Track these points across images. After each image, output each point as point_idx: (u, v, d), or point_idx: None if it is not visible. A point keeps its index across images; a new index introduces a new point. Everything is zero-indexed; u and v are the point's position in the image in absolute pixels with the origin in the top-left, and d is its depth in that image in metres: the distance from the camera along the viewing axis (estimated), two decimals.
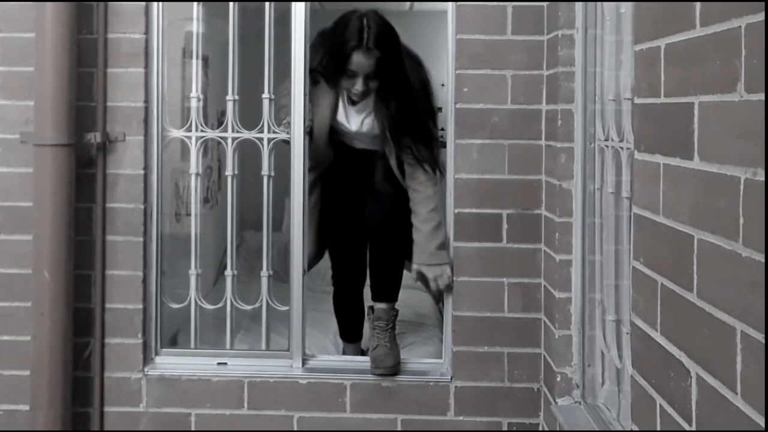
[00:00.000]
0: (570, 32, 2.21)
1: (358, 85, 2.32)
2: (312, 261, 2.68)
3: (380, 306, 2.53)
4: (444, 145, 2.51)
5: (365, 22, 2.29)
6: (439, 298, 3.17)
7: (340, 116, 2.50)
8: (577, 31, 2.20)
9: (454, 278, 2.41)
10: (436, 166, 2.46)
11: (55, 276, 2.24)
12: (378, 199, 2.57)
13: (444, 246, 2.41)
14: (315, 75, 2.47)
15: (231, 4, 2.51)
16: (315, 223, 2.62)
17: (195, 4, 2.55)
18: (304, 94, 2.42)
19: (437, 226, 2.40)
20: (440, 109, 5.27)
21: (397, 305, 2.61)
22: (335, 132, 2.54)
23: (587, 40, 2.16)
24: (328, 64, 2.38)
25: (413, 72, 2.42)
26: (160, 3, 2.47)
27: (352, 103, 2.48)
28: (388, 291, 2.56)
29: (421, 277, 2.44)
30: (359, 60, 2.29)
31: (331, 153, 2.55)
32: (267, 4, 2.49)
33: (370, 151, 2.57)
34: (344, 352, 2.83)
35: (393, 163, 2.46)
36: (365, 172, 2.58)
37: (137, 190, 2.43)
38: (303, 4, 2.43)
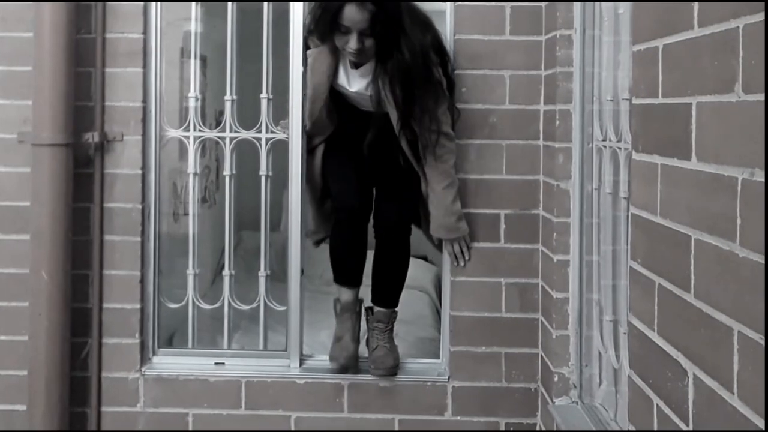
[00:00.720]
0: (568, 32, 2.21)
1: (352, 42, 2.12)
2: (317, 233, 2.56)
3: (381, 309, 2.51)
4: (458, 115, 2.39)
5: None
6: (438, 297, 3.16)
7: (342, 80, 2.35)
8: (575, 31, 2.20)
9: (452, 278, 2.42)
10: (445, 138, 2.29)
11: (52, 276, 2.24)
12: (389, 196, 2.46)
13: (461, 218, 2.35)
14: (310, 38, 2.35)
15: (229, 4, 2.51)
16: (318, 190, 2.49)
17: (193, 4, 2.55)
18: (303, 93, 2.42)
19: (453, 201, 2.32)
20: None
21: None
22: (339, 96, 2.40)
23: (585, 41, 2.17)
24: (321, 17, 2.18)
25: (419, 36, 2.20)
26: (159, 3, 2.47)
27: (355, 66, 2.30)
28: (389, 297, 2.50)
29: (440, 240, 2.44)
30: (351, 13, 2.08)
31: (334, 120, 2.41)
32: (265, 4, 2.49)
33: (379, 114, 2.32)
34: (336, 306, 2.53)
35: (397, 130, 2.29)
36: (373, 136, 2.38)
37: (135, 189, 2.43)
38: (301, 4, 2.43)
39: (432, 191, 2.33)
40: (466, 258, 2.40)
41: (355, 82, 2.34)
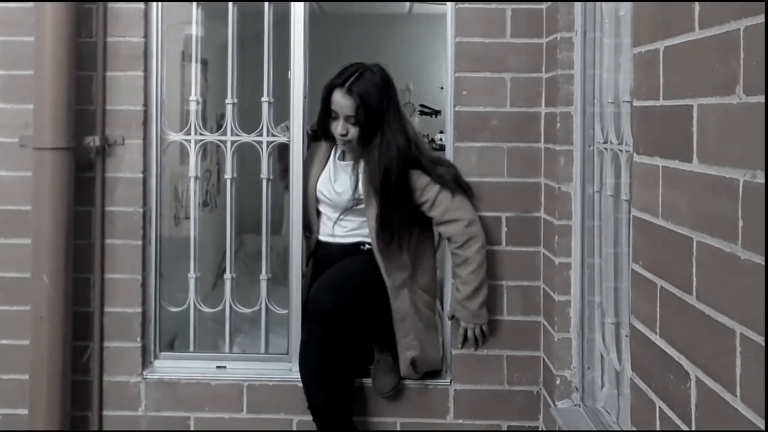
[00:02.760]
0: (569, 35, 2.22)
1: (339, 127, 2.28)
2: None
3: None
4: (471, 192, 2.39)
5: (359, 69, 2.28)
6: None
7: (324, 178, 2.42)
8: (576, 33, 2.20)
9: (453, 281, 2.41)
10: (472, 224, 2.30)
11: (54, 280, 2.24)
12: (330, 279, 2.30)
13: (485, 304, 2.32)
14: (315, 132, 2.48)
15: (230, 7, 2.51)
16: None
17: (194, 7, 2.55)
18: (304, 96, 2.42)
19: (478, 287, 2.29)
20: (439, 112, 5.29)
21: None
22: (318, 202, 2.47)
23: (586, 43, 2.17)
24: (321, 113, 2.36)
25: (400, 138, 2.28)
26: (159, 5, 2.47)
27: (342, 157, 2.42)
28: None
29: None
30: (338, 99, 2.27)
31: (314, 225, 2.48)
32: (266, 6, 2.50)
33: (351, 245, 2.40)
34: None
35: (373, 228, 2.30)
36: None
37: (136, 193, 2.43)
38: (302, 4, 2.43)
39: (458, 277, 2.32)
40: (480, 344, 2.40)
41: (339, 178, 2.40)
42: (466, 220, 2.29)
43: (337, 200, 2.38)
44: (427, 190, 2.29)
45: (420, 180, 2.30)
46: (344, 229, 2.40)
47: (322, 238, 2.45)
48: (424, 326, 2.37)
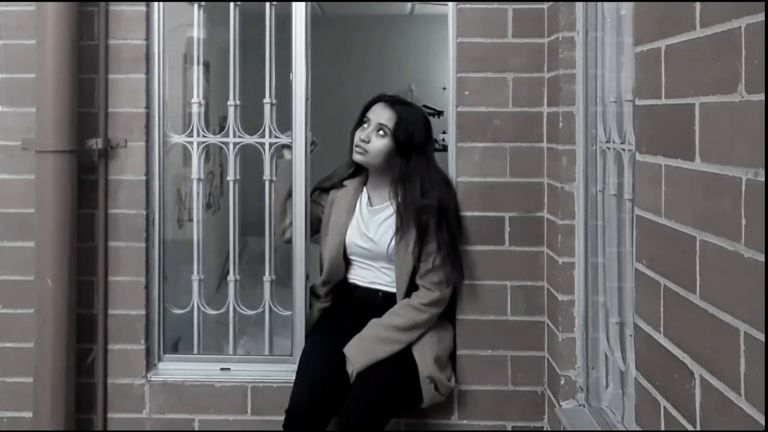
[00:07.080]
0: (571, 34, 2.21)
1: (363, 133, 2.29)
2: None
3: None
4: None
5: (407, 101, 2.37)
6: None
7: (354, 228, 2.39)
8: (577, 33, 2.20)
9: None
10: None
11: (57, 282, 2.24)
12: (363, 390, 2.14)
13: (366, 346, 2.18)
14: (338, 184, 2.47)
15: (232, 9, 2.52)
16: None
17: (195, 9, 2.56)
18: (306, 98, 2.42)
19: (381, 338, 2.19)
20: (441, 113, 5.30)
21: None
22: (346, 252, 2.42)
23: (588, 42, 2.16)
24: (356, 125, 2.38)
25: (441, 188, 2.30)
26: (161, 8, 2.47)
27: (370, 203, 2.40)
28: None
29: None
30: (377, 108, 2.32)
31: (343, 266, 2.43)
32: (267, 7, 2.50)
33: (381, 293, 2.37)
34: None
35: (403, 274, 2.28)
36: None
37: (139, 195, 2.43)
38: (304, 5, 2.43)
39: (392, 313, 2.26)
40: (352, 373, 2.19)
41: (372, 225, 2.37)
42: (437, 292, 2.25)
43: (375, 249, 2.34)
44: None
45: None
46: (388, 277, 2.37)
47: (361, 283, 2.41)
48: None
